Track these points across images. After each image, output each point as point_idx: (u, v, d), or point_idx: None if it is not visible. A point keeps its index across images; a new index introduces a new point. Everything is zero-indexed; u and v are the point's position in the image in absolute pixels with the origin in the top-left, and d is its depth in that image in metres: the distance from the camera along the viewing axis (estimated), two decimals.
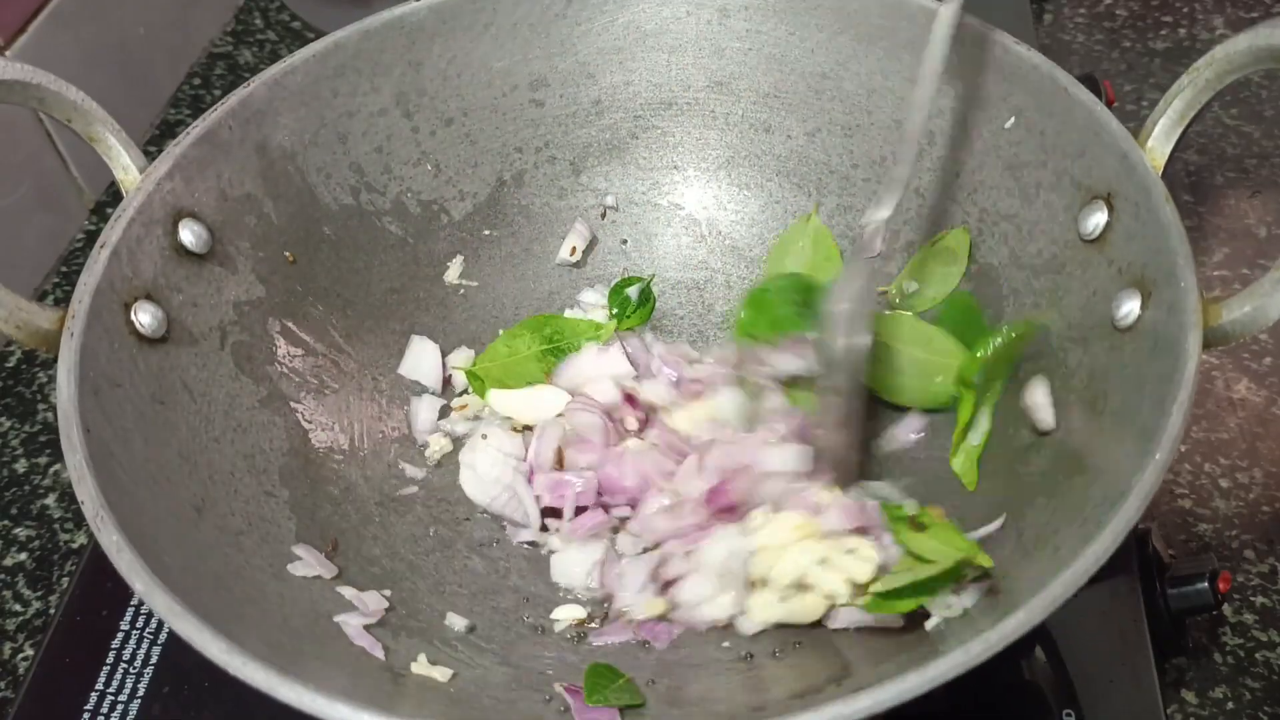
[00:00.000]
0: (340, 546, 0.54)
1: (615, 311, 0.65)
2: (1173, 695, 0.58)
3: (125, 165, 0.54)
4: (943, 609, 0.46)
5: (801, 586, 0.50)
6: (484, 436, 0.59)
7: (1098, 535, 0.40)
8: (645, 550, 0.55)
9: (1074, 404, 0.50)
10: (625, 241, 0.68)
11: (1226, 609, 0.60)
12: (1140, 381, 0.46)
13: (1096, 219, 0.52)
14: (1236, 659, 0.59)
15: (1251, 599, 0.61)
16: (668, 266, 0.67)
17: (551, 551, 0.57)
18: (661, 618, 0.52)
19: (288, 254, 0.59)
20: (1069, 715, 0.53)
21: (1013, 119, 0.56)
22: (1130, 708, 0.53)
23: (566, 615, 0.54)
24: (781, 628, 0.51)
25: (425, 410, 0.62)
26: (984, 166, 0.58)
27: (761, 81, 0.64)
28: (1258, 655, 0.59)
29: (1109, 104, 0.71)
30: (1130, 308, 0.48)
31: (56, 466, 0.70)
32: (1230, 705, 0.57)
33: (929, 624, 0.46)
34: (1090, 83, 0.64)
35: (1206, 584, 0.56)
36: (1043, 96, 0.54)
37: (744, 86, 0.65)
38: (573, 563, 0.55)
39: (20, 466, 0.71)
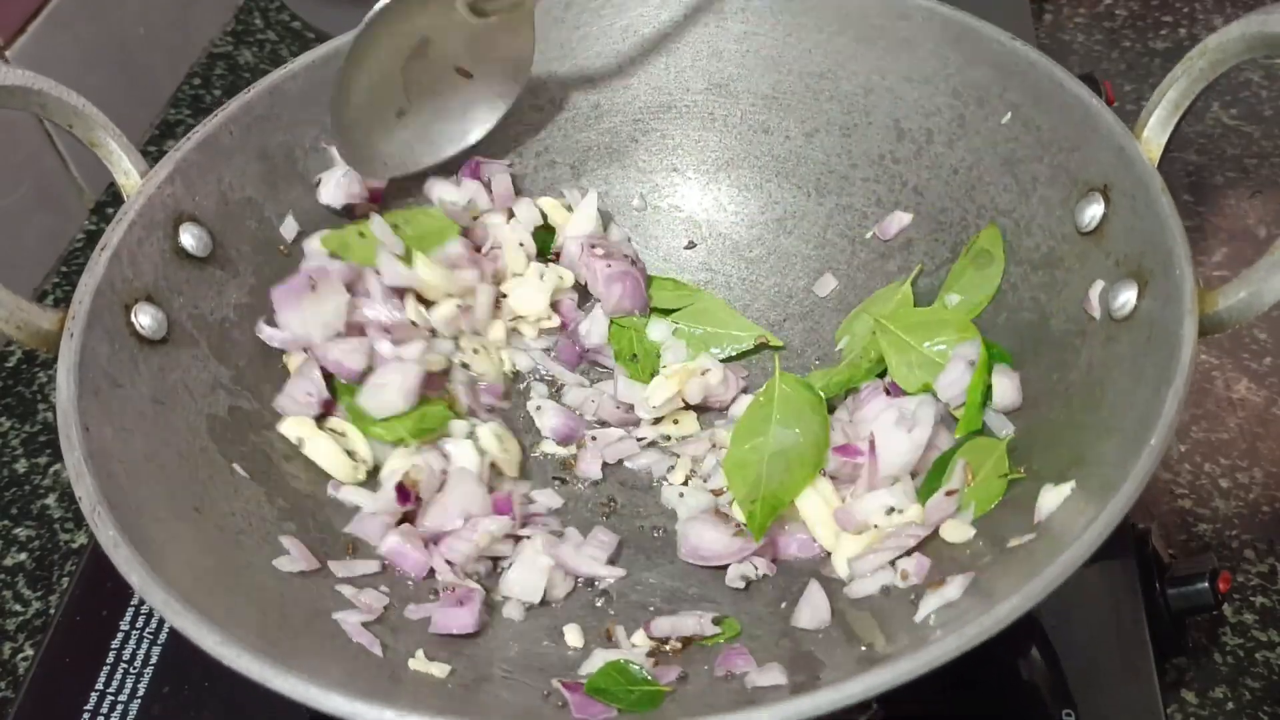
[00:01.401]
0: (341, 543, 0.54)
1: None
2: (1173, 695, 0.58)
3: (126, 170, 0.54)
4: (937, 601, 0.46)
5: None
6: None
7: (1093, 521, 0.40)
8: None
9: (1072, 396, 0.51)
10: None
11: (1226, 609, 0.60)
12: (1137, 371, 0.46)
13: (1093, 211, 0.52)
14: (1236, 659, 0.59)
15: (1251, 599, 0.61)
16: (668, 269, 0.67)
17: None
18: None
19: (281, 247, 0.59)
20: (1068, 715, 0.53)
21: (1009, 114, 0.56)
22: (1130, 707, 0.53)
23: (577, 638, 0.52)
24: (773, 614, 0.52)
25: None
26: (981, 163, 0.58)
27: (759, 83, 0.64)
28: (1258, 655, 0.59)
29: (1109, 104, 0.71)
30: (1127, 298, 0.49)
31: (57, 466, 0.71)
32: (1230, 705, 0.57)
33: (919, 616, 0.46)
34: (1090, 82, 0.64)
35: (1206, 584, 0.56)
36: (1039, 91, 0.55)
37: (742, 88, 0.65)
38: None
39: (20, 466, 0.71)
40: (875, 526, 0.52)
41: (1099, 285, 0.50)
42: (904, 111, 0.61)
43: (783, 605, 0.52)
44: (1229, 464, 0.67)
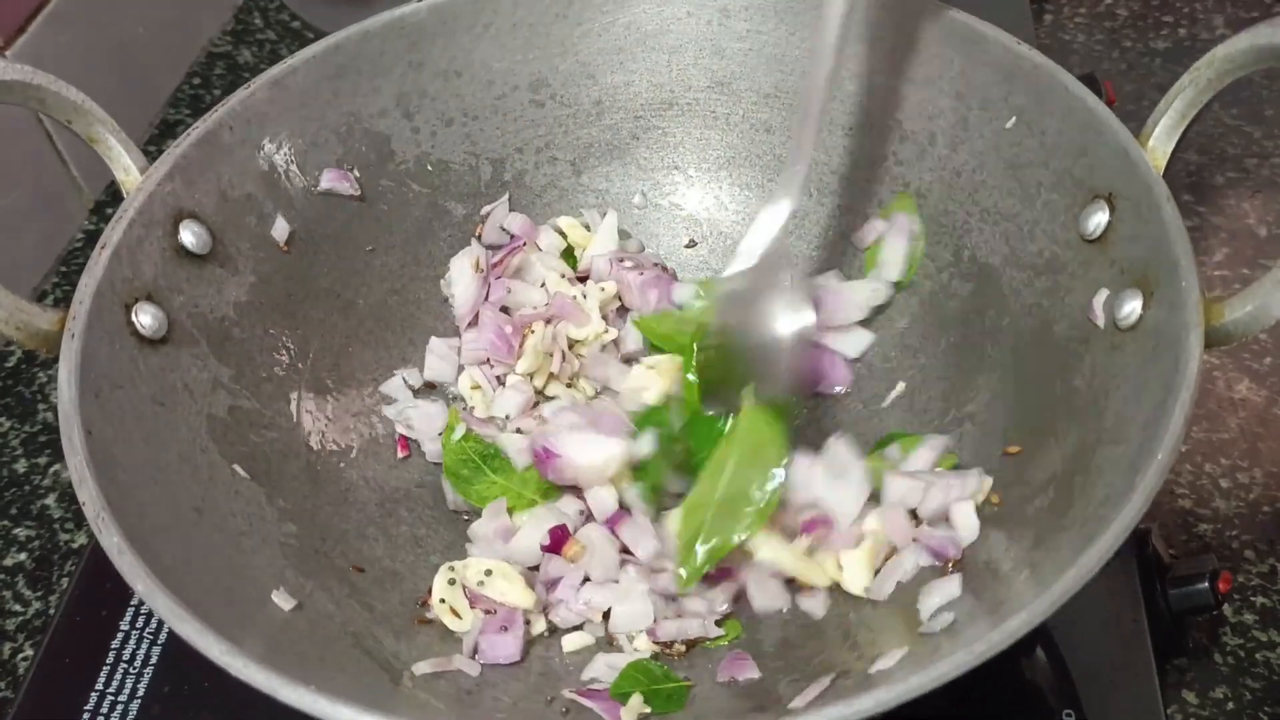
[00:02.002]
0: (342, 549, 0.54)
1: None
2: (1173, 695, 0.58)
3: (126, 166, 0.54)
4: (939, 599, 0.46)
5: None
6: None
7: (1100, 535, 0.40)
8: None
9: (1075, 403, 0.50)
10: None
11: (1226, 609, 0.60)
12: (1142, 381, 0.46)
13: (1098, 218, 0.52)
14: (1236, 659, 0.59)
15: (1251, 599, 0.61)
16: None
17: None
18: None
19: (283, 245, 0.59)
20: (1069, 715, 0.53)
21: (1014, 119, 0.56)
22: (1130, 708, 0.53)
23: (576, 644, 0.52)
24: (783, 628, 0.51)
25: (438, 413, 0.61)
26: (985, 166, 0.58)
27: (762, 82, 0.64)
28: (1258, 655, 0.59)
29: (1109, 104, 0.71)
30: (1132, 307, 0.48)
31: (56, 466, 0.70)
32: (1230, 705, 0.57)
33: (926, 622, 0.46)
34: (1091, 83, 0.64)
35: (1206, 584, 0.56)
36: (1043, 96, 0.54)
37: (745, 87, 0.65)
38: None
39: (20, 466, 0.71)
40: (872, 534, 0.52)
41: (1103, 293, 0.50)
42: (907, 113, 0.61)
43: (783, 610, 0.52)
44: (1229, 464, 0.67)
